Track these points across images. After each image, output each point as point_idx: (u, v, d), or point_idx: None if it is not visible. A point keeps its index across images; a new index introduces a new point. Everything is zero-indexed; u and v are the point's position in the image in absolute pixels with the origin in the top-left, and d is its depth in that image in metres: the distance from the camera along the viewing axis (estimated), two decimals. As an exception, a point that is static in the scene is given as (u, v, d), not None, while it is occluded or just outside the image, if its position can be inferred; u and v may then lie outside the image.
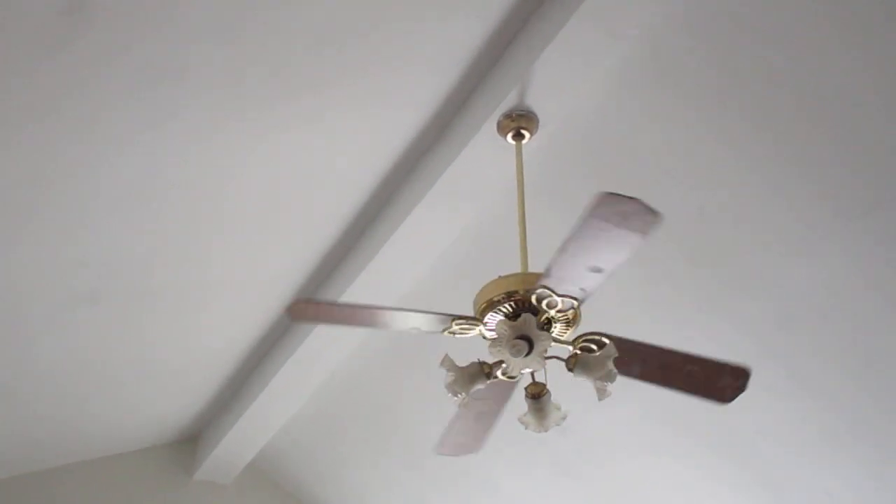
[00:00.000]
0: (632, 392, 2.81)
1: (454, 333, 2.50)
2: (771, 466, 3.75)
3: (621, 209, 2.02)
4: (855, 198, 2.94)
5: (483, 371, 2.47)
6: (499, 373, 2.46)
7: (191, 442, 4.66)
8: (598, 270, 2.23)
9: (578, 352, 2.45)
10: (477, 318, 2.47)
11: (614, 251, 2.16)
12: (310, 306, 2.64)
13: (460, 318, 2.47)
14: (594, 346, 2.45)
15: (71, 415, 3.96)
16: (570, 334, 2.50)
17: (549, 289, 2.31)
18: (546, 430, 2.49)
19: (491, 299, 2.45)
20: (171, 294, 3.42)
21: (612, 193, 1.99)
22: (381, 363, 4.03)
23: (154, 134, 2.74)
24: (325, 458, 4.60)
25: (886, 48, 2.61)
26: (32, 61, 2.38)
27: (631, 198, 1.98)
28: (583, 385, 2.53)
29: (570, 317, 2.46)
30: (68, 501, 4.27)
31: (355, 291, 3.42)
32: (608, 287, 2.65)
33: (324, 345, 3.73)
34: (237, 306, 3.66)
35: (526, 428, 2.51)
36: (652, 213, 2.01)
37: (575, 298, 2.34)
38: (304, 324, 2.72)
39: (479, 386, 2.47)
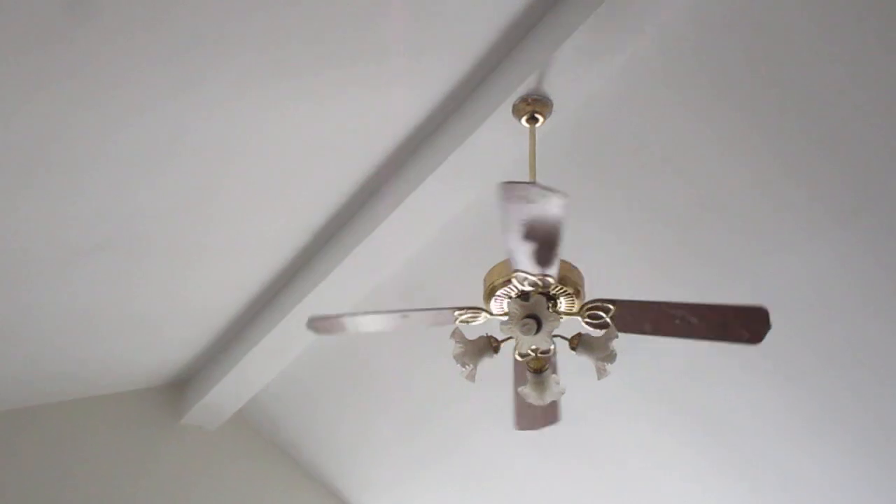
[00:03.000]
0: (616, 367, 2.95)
1: (463, 323, 2.62)
2: (749, 446, 3.95)
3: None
4: (844, 198, 3.09)
5: (490, 345, 2.61)
6: (516, 354, 2.59)
7: (180, 386, 4.76)
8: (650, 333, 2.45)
9: (582, 330, 2.60)
10: (478, 308, 2.60)
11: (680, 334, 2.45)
12: (326, 321, 2.77)
13: (461, 308, 2.61)
14: (600, 313, 2.57)
15: (67, 356, 4.04)
16: (576, 304, 2.61)
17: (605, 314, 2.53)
18: (545, 403, 2.64)
19: (498, 280, 2.57)
20: (176, 250, 3.51)
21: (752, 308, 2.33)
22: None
23: (176, 100, 2.81)
24: (312, 413, 4.72)
25: (880, 54, 2.74)
26: (65, 25, 2.43)
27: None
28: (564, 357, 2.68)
29: (573, 291, 2.59)
30: (58, 436, 4.34)
31: (357, 258, 3.53)
32: (599, 276, 2.81)
33: (320, 304, 3.85)
34: (238, 265, 3.75)
35: (525, 399, 2.65)
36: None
37: (611, 330, 2.52)
38: (324, 335, 2.87)
39: (486, 358, 2.61)
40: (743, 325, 2.49)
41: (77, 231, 3.19)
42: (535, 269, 2.41)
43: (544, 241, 2.28)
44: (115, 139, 2.87)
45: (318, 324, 2.77)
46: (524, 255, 2.35)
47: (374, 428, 4.65)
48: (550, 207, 2.15)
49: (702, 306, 2.50)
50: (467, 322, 2.63)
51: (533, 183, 2.12)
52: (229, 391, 4.44)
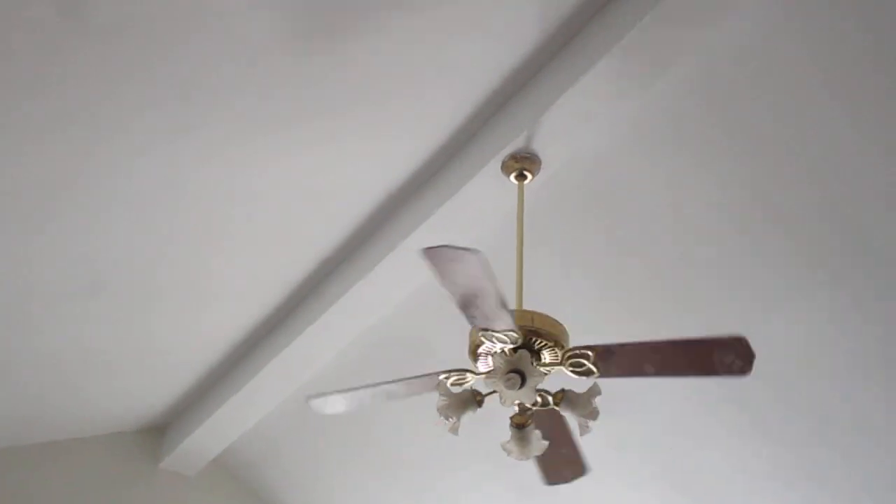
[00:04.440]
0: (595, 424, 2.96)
1: (452, 385, 2.64)
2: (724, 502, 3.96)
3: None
4: (834, 260, 3.14)
5: (475, 398, 2.62)
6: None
7: (159, 431, 4.72)
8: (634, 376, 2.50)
9: (566, 384, 2.62)
10: (464, 370, 2.63)
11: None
12: (323, 398, 2.85)
13: (447, 372, 2.64)
14: (583, 361, 2.58)
15: (46, 399, 4.02)
16: (559, 355, 2.62)
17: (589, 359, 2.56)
18: (528, 459, 2.65)
19: (480, 337, 2.58)
20: (167, 294, 3.52)
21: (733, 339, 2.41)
22: (357, 373, 4.14)
23: (173, 145, 2.85)
24: (292, 460, 4.69)
25: (877, 114, 2.80)
26: (63, 73, 2.48)
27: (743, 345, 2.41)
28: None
29: (553, 343, 2.61)
30: (32, 480, 4.30)
31: (347, 303, 3.55)
32: (588, 330, 2.83)
33: (303, 352, 3.85)
34: (223, 313, 3.77)
35: (508, 455, 2.65)
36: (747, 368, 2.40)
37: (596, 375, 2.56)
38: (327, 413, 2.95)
39: (469, 412, 2.63)
40: (727, 356, 2.48)
41: (54, 276, 3.20)
42: (493, 325, 2.44)
43: (480, 298, 2.34)
44: (108, 184, 2.91)
45: (317, 403, 2.86)
46: (473, 315, 2.39)
47: (353, 474, 4.62)
48: (468, 265, 2.21)
49: (681, 343, 2.50)
50: (457, 385, 2.65)
51: (446, 246, 2.18)
52: (208, 436, 4.42)
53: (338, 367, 4.02)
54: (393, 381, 2.69)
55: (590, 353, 2.56)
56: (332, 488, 4.75)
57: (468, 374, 2.64)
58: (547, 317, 2.61)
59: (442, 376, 2.62)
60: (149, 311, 3.57)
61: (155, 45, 2.51)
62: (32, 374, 3.75)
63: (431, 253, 2.20)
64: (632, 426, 3.81)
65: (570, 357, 2.59)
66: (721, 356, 2.47)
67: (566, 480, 3.01)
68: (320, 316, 3.66)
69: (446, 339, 3.13)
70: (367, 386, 2.75)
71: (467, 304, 2.37)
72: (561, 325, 2.64)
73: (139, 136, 2.79)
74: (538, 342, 2.58)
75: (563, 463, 2.94)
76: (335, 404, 2.84)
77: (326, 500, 4.83)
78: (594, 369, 2.57)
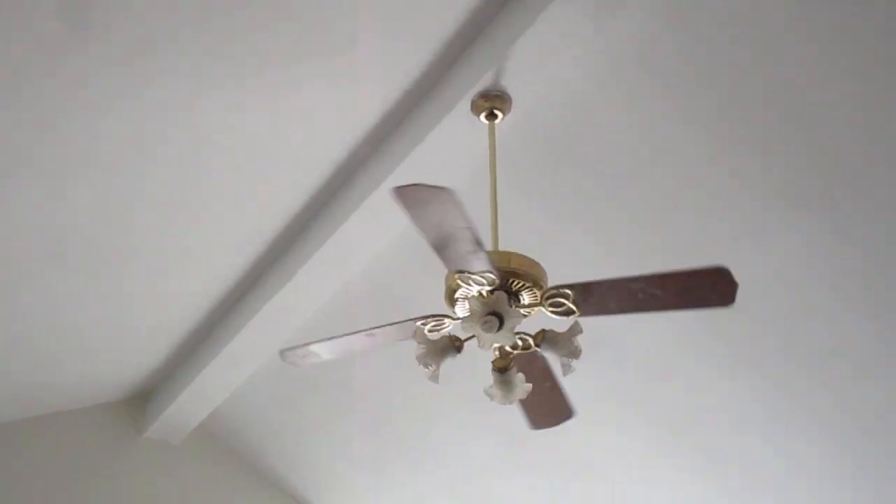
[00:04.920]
0: (581, 368, 2.91)
1: (430, 331, 2.57)
2: (715, 442, 3.94)
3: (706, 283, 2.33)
4: (811, 191, 3.08)
5: (453, 344, 2.56)
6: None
7: (142, 399, 4.67)
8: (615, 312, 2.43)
9: (546, 324, 2.55)
10: (441, 315, 2.56)
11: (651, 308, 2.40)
12: (298, 351, 2.76)
13: (426, 317, 2.56)
14: (562, 300, 2.51)
15: (23, 375, 3.95)
16: (537, 296, 2.55)
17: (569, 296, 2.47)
18: (511, 403, 2.59)
19: (456, 282, 2.51)
20: (134, 258, 3.43)
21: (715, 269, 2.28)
22: (340, 329, 4.07)
23: (132, 102, 2.75)
24: (277, 422, 4.65)
25: (853, 54, 2.73)
26: (19, 38, 2.38)
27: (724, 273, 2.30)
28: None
29: (532, 284, 2.54)
30: (18, 455, 4.26)
31: (322, 257, 3.47)
32: (565, 270, 2.77)
33: (281, 312, 3.78)
34: (195, 275, 3.69)
35: (491, 399, 2.59)
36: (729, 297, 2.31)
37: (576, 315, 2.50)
38: (301, 366, 2.86)
39: (449, 358, 2.56)
40: (709, 287, 2.40)
41: (20, 245, 3.11)
42: (469, 266, 2.37)
43: (455, 238, 2.27)
44: (65, 148, 2.80)
45: (291, 354, 2.77)
46: (448, 257, 2.33)
47: (337, 432, 4.59)
48: (441, 204, 2.14)
49: (661, 276, 2.40)
50: (435, 331, 2.58)
51: (417, 185, 2.10)
52: (191, 403, 4.37)
53: (318, 324, 3.94)
54: (368, 330, 2.62)
55: (569, 291, 2.49)
56: (319, 447, 4.72)
57: (446, 320, 2.58)
58: (524, 257, 2.54)
59: (419, 322, 2.55)
60: (117, 277, 3.48)
61: (109, 2, 2.40)
62: (2, 349, 3.66)
63: (402, 192, 2.12)
64: (618, 371, 3.77)
65: (549, 297, 2.52)
66: (703, 286, 2.40)
67: (553, 424, 2.96)
68: (296, 272, 3.59)
69: (428, 290, 3.05)
70: (341, 336, 2.67)
71: (441, 245, 2.30)
72: (539, 265, 2.57)
73: (95, 97, 2.69)
74: (516, 283, 2.52)
75: (549, 407, 2.89)
76: (309, 356, 2.77)
77: (314, 460, 4.80)
78: (574, 308, 2.51)
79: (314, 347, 2.74)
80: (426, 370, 2.54)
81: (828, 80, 2.82)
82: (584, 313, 2.51)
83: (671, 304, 2.46)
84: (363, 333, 2.64)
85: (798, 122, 2.93)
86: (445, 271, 2.60)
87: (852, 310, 3.32)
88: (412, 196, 2.15)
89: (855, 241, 3.14)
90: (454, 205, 2.16)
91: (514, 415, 4.06)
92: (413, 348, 2.53)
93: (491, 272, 2.40)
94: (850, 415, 3.64)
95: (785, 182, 3.07)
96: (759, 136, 3.00)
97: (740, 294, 2.39)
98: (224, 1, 2.55)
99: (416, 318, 2.57)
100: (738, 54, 2.83)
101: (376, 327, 2.61)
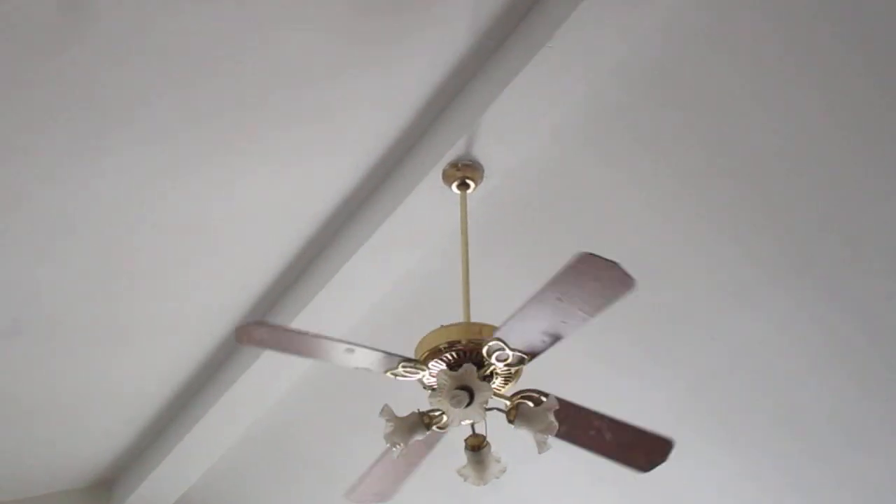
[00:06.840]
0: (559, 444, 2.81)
1: (397, 375, 2.45)
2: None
3: (599, 272, 2.06)
4: (782, 262, 3.05)
5: (423, 421, 2.43)
6: (435, 427, 2.43)
7: (106, 486, 4.47)
8: (555, 337, 2.26)
9: (519, 402, 2.44)
10: (422, 363, 2.44)
11: (577, 316, 2.20)
12: (259, 329, 2.39)
13: (407, 360, 2.43)
14: (531, 404, 2.43)
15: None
16: (509, 389, 2.48)
17: (502, 341, 2.30)
18: (485, 483, 2.46)
19: (434, 347, 2.42)
20: (92, 332, 3.30)
21: (591, 254, 2.02)
22: (306, 412, 3.94)
23: (83, 167, 2.67)
24: (255, 495, 4.48)
25: (816, 117, 2.72)
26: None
27: (611, 261, 2.03)
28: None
29: (512, 373, 2.44)
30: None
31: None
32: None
33: (251, 386, 3.65)
34: (159, 347, 3.55)
35: (465, 480, 2.47)
36: (628, 280, 2.06)
37: (525, 355, 2.33)
38: (250, 346, 2.67)
39: (418, 437, 2.43)
40: (642, 451, 2.51)
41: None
42: (515, 345, 2.31)
43: (556, 336, 2.28)
44: (12, 215, 2.71)
45: (249, 329, 2.37)
46: (524, 331, 2.26)
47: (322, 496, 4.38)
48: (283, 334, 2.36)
49: (618, 424, 2.48)
50: (405, 375, 2.45)
51: (615, 264, 2.06)
52: (159, 488, 4.18)
53: (286, 408, 3.85)
54: (349, 343, 2.38)
55: (543, 398, 2.42)
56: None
57: (421, 372, 2.44)
58: (496, 328, 2.43)
59: (401, 364, 2.42)
60: (78, 350, 3.35)
61: (54, 49, 2.32)
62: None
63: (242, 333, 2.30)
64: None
65: (521, 398, 2.44)
66: (641, 448, 2.53)
67: (653, 465, 2.66)
68: (263, 352, 3.46)
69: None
70: (318, 335, 2.39)
71: (322, 357, 2.39)
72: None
73: (45, 161, 2.60)
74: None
75: (637, 451, 2.62)
76: (266, 340, 2.47)
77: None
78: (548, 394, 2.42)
79: (283, 334, 2.43)
80: (394, 449, 2.41)
81: (790, 154, 2.82)
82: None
83: (606, 452, 2.54)
84: (343, 346, 2.39)
85: (760, 197, 2.92)
86: (411, 343, 2.51)
87: (846, 376, 3.24)
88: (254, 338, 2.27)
89: (845, 307, 3.09)
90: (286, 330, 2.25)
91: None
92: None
93: (526, 357, 2.33)
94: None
95: (757, 255, 3.03)
96: (722, 214, 2.96)
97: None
98: (199, 73, 2.50)
99: (400, 356, 2.42)
100: (701, 129, 2.82)
101: (359, 345, 2.38)
